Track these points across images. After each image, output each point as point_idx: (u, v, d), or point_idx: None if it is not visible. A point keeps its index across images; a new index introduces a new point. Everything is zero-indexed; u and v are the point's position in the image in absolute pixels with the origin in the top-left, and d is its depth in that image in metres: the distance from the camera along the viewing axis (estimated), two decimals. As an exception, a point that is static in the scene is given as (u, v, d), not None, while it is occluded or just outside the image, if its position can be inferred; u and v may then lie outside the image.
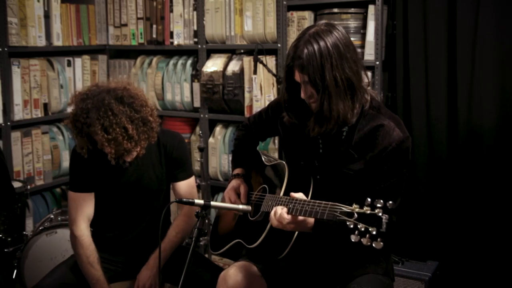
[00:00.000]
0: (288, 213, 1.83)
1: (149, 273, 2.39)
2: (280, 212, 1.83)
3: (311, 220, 1.85)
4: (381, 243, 1.54)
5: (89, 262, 2.35)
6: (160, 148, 2.44)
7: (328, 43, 1.84)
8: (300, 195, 1.88)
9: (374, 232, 1.54)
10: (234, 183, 2.28)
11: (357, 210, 1.60)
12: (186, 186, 2.50)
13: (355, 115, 1.90)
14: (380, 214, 1.55)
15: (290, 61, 1.89)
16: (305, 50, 1.84)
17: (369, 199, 1.60)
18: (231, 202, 2.23)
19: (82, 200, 2.41)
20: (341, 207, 1.66)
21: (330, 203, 1.72)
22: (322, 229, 1.87)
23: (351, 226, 1.58)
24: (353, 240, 1.57)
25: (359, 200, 1.62)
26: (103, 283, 2.35)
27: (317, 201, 1.78)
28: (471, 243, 3.05)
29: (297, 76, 1.89)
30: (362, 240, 1.56)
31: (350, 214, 1.61)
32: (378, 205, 1.56)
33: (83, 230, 2.39)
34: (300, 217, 1.82)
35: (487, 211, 2.99)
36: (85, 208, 2.41)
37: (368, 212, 1.57)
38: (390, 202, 1.56)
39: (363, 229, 1.56)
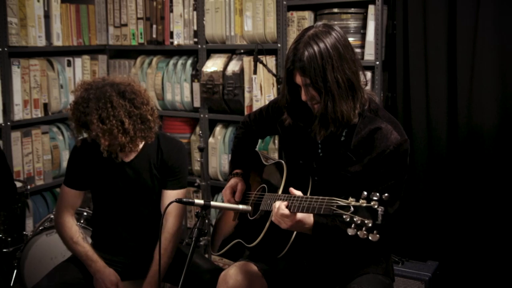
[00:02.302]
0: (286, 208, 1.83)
1: None
2: (279, 205, 1.84)
3: (310, 220, 1.86)
4: (377, 235, 1.54)
5: (73, 241, 2.41)
6: (158, 152, 2.43)
7: (328, 45, 1.84)
8: (298, 193, 1.88)
9: (370, 225, 1.55)
10: (232, 181, 2.29)
11: (353, 203, 1.61)
12: (174, 196, 2.34)
13: (356, 115, 1.91)
14: (375, 206, 1.55)
15: (291, 64, 1.88)
16: (306, 53, 1.84)
17: (365, 193, 1.60)
18: (226, 200, 2.24)
19: (72, 196, 2.46)
20: (338, 201, 1.66)
21: (327, 197, 1.73)
22: (321, 231, 1.87)
23: (348, 219, 1.59)
24: (349, 234, 1.57)
25: (356, 194, 1.62)
26: (92, 255, 2.39)
27: (315, 196, 1.79)
28: (471, 243, 3.05)
29: (298, 79, 1.89)
30: (358, 233, 1.56)
31: (346, 208, 1.62)
32: (374, 197, 1.57)
33: (65, 217, 2.45)
34: (299, 215, 1.82)
35: (487, 211, 2.99)
36: (72, 203, 2.48)
37: (364, 205, 1.58)
38: (386, 194, 1.56)
39: (359, 221, 1.57)
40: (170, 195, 2.42)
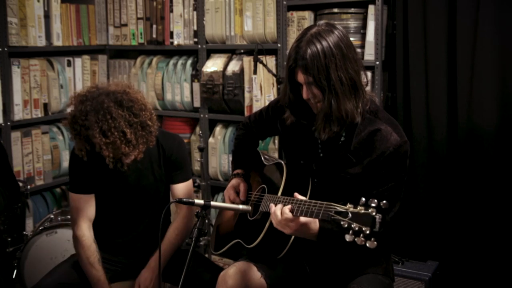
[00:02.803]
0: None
1: (150, 275, 2.38)
2: (282, 210, 1.83)
3: (316, 226, 1.85)
4: (375, 242, 1.53)
5: (89, 262, 2.35)
6: (159, 149, 2.43)
7: (331, 43, 1.83)
8: (298, 196, 1.88)
9: (367, 232, 1.54)
10: (234, 181, 2.29)
11: (351, 209, 1.60)
12: (183, 188, 2.48)
13: (359, 114, 1.90)
14: (373, 213, 1.55)
15: (293, 62, 1.87)
16: (309, 51, 1.83)
17: (363, 199, 1.59)
18: (230, 201, 2.24)
19: (83, 201, 2.41)
20: (336, 207, 1.66)
21: (326, 202, 1.72)
22: (326, 237, 1.87)
23: (345, 225, 1.58)
24: (347, 240, 1.57)
25: (354, 200, 1.62)
26: (104, 283, 2.35)
27: (313, 200, 1.78)
28: (471, 243, 3.05)
29: (300, 77, 1.88)
30: (356, 239, 1.56)
31: (344, 214, 1.61)
32: (372, 204, 1.56)
33: (84, 230, 2.39)
34: (302, 218, 1.82)
35: (487, 211, 2.99)
36: (85, 209, 2.41)
37: (362, 211, 1.57)
38: (384, 201, 1.56)
39: (356, 228, 1.56)
40: (179, 188, 2.47)
